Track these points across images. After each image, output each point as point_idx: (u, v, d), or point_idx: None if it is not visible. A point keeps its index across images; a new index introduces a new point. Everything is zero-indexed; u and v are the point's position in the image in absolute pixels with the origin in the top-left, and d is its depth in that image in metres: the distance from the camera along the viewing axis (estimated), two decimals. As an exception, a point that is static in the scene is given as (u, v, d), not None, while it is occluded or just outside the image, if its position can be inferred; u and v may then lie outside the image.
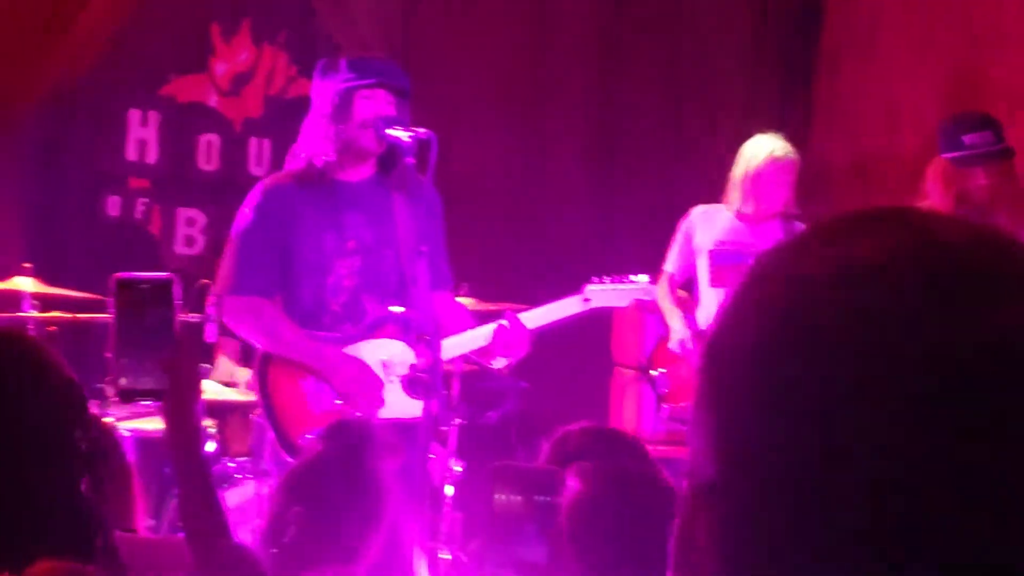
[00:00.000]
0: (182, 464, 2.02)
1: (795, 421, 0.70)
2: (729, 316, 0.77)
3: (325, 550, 2.63)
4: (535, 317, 4.25)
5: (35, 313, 5.47)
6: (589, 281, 4.36)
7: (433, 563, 5.03)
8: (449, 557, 5.16)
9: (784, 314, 0.72)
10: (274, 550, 2.59)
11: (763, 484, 0.71)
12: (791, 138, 5.60)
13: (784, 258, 0.76)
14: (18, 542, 1.69)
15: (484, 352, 4.23)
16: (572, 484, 2.33)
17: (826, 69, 7.28)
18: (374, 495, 2.75)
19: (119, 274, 2.04)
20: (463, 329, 4.24)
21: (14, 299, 5.53)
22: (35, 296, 5.51)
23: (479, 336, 4.20)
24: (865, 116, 7.00)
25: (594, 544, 2.22)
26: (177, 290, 2.01)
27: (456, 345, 4.19)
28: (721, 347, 0.76)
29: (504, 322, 4.19)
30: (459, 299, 5.55)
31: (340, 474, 2.73)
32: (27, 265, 5.61)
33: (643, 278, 4.42)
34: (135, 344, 1.98)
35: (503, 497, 1.53)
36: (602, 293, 4.35)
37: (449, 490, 5.25)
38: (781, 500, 0.71)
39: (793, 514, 0.70)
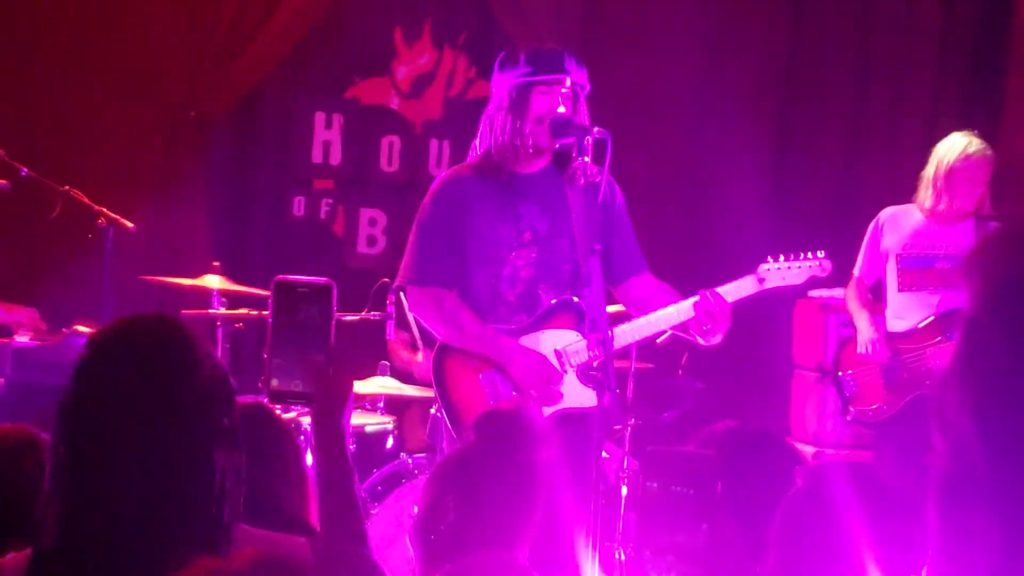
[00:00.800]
0: (326, 471, 2.00)
1: None
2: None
3: (479, 537, 2.65)
4: (724, 294, 4.20)
5: (223, 310, 5.64)
6: (763, 261, 4.28)
7: (607, 561, 5.02)
8: (623, 557, 5.15)
9: None
10: (431, 537, 2.61)
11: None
12: (981, 136, 5.44)
13: None
14: (155, 510, 1.72)
15: (685, 327, 4.19)
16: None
17: (1017, 66, 7.05)
18: (527, 483, 2.76)
19: (279, 277, 2.06)
20: (667, 302, 4.20)
21: (203, 296, 5.71)
22: (223, 293, 5.68)
23: (682, 310, 4.16)
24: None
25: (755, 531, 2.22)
26: (335, 296, 2.01)
27: (648, 323, 4.16)
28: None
29: (696, 298, 4.15)
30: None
31: (491, 462, 2.74)
32: (216, 264, 5.78)
33: (820, 254, 4.31)
34: (289, 347, 1.98)
35: (657, 485, 1.52)
36: (776, 272, 4.27)
37: (624, 489, 5.24)
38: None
39: None
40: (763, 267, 4.26)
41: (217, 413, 1.79)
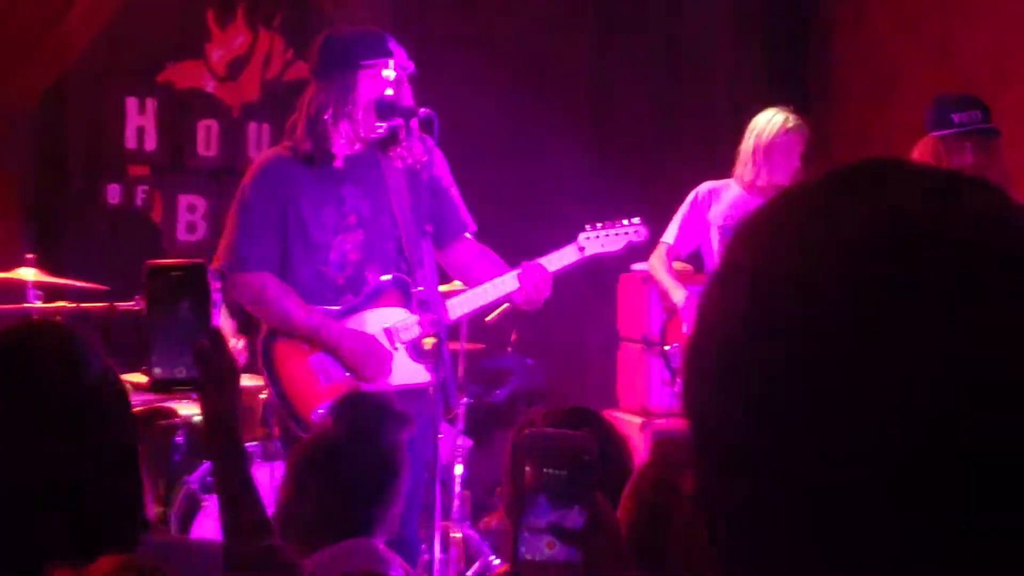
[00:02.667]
0: (222, 458, 1.96)
1: (745, 403, 0.74)
2: (701, 311, 0.80)
3: (345, 523, 2.63)
4: (547, 262, 4.27)
5: (39, 304, 5.47)
6: (582, 230, 4.38)
7: (444, 541, 5.04)
8: (460, 535, 5.18)
9: (745, 314, 0.75)
10: (293, 525, 2.59)
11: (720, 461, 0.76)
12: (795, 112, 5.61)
13: (752, 244, 0.80)
14: (56, 526, 1.67)
15: (511, 297, 4.26)
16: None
17: (816, 41, 7.28)
18: (391, 467, 2.75)
19: (150, 261, 1.99)
20: (491, 270, 4.25)
21: (18, 290, 5.53)
22: (38, 286, 5.51)
23: (502, 283, 4.21)
24: (857, 88, 7.01)
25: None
26: (209, 275, 1.95)
27: (479, 294, 4.21)
28: (694, 342, 0.81)
29: (519, 270, 4.21)
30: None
31: (355, 448, 2.73)
32: (30, 256, 5.60)
33: (635, 220, 4.45)
34: (169, 333, 1.93)
35: (547, 470, 1.53)
36: (595, 240, 4.37)
37: (458, 468, 5.27)
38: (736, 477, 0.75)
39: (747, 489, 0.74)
40: (583, 235, 4.37)
41: (103, 421, 1.73)
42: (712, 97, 7.37)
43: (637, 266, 6.08)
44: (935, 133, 4.98)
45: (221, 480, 1.98)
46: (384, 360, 4.16)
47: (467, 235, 4.38)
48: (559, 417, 2.37)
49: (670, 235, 5.64)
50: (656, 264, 5.64)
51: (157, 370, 1.93)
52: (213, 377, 1.92)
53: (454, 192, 4.36)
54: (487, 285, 4.22)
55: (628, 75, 7.53)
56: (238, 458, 1.98)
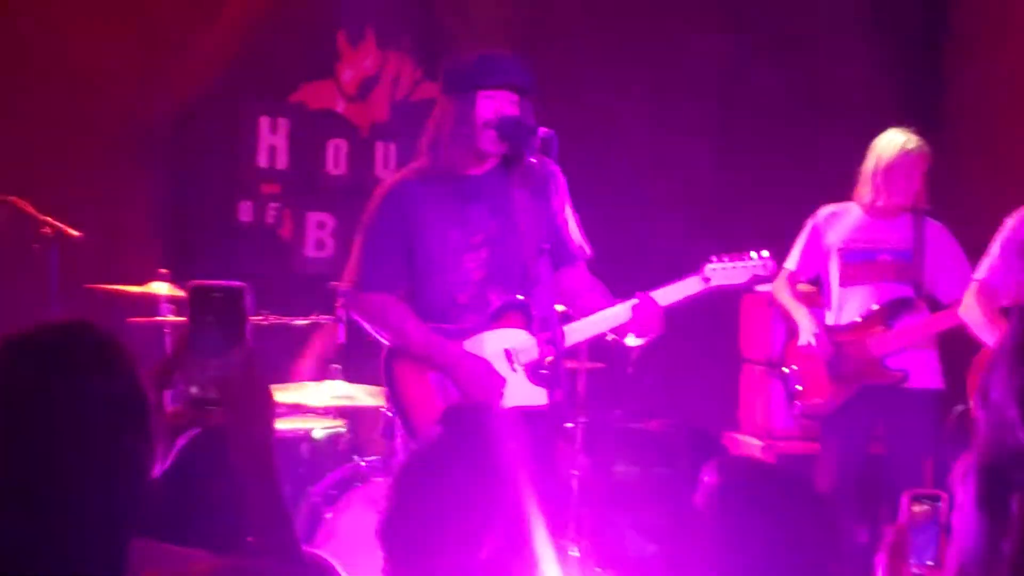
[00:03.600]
0: (253, 479, 1.94)
1: None
2: None
3: (446, 537, 2.64)
4: (664, 295, 4.25)
5: (171, 317, 5.61)
6: (708, 260, 4.34)
7: (560, 558, 5.04)
8: (577, 553, 5.18)
9: None
10: (397, 537, 2.61)
11: None
12: (920, 132, 5.52)
13: None
14: (45, 533, 1.66)
15: (619, 330, 4.23)
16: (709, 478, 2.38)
17: (954, 56, 7.14)
18: (493, 480, 2.76)
19: (194, 281, 2.02)
20: (599, 301, 4.24)
21: (151, 303, 5.68)
22: (171, 300, 5.65)
23: (615, 315, 4.20)
24: (996, 102, 6.85)
25: (730, 531, 2.27)
26: (249, 299, 1.97)
27: (593, 323, 4.20)
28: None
29: (635, 301, 4.19)
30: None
31: (455, 458, 2.74)
32: (163, 271, 5.75)
33: (764, 253, 4.38)
34: (205, 352, 1.95)
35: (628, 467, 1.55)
36: (721, 271, 4.33)
37: (575, 485, 5.27)
38: None
39: None
40: (709, 266, 4.32)
41: (121, 427, 1.73)
42: (846, 117, 7.28)
43: (761, 287, 6.04)
44: None
45: (252, 502, 1.96)
46: (496, 385, 4.17)
47: (580, 262, 4.39)
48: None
49: (792, 261, 5.61)
50: (778, 288, 5.60)
51: (193, 389, 1.94)
52: (240, 399, 1.91)
53: (572, 216, 4.37)
54: (601, 314, 4.20)
55: (760, 98, 7.47)
56: (269, 480, 1.96)
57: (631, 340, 4.26)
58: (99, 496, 1.69)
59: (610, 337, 5.13)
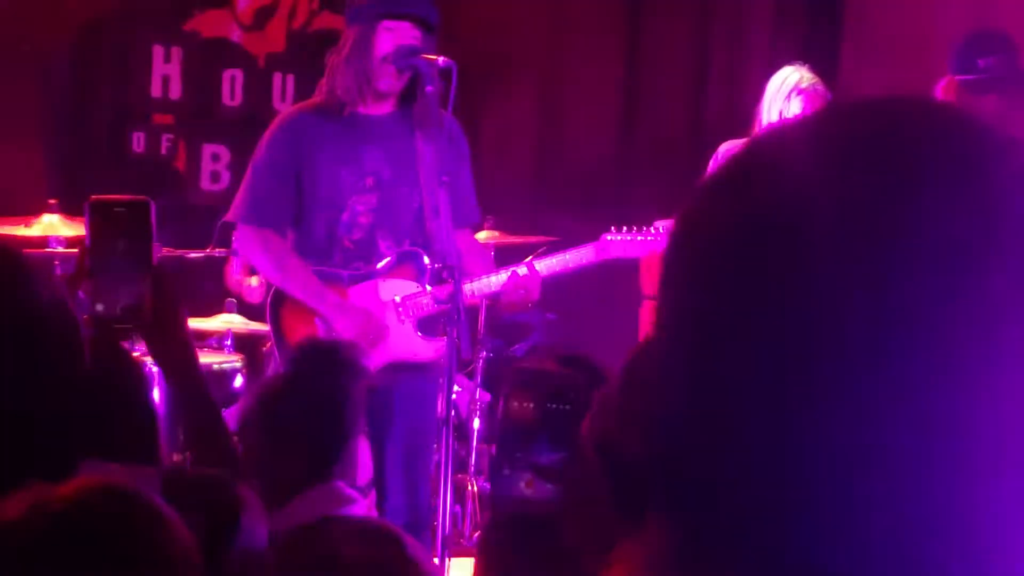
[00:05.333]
0: (185, 395, 1.94)
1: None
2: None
3: (296, 468, 2.65)
4: (550, 265, 4.24)
5: (61, 249, 5.49)
6: (608, 231, 4.34)
7: (460, 494, 5.05)
8: (475, 488, 5.18)
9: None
10: (254, 476, 2.59)
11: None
12: (819, 69, 5.52)
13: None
14: None
15: (494, 296, 4.22)
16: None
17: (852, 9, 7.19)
18: (335, 412, 2.76)
19: (93, 197, 1.95)
20: (482, 272, 4.21)
21: (41, 235, 5.55)
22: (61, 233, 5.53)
23: (493, 282, 4.19)
24: (895, 45, 6.91)
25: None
26: (154, 212, 1.91)
27: (470, 290, 4.16)
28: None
29: (521, 269, 4.17)
30: (484, 232, 5.54)
31: (300, 392, 2.75)
32: (53, 201, 5.62)
33: (661, 227, 4.39)
34: (109, 270, 1.89)
35: (517, 404, 1.53)
36: (619, 244, 4.34)
37: (476, 423, 5.27)
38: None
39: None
40: (607, 236, 4.32)
41: (57, 343, 1.71)
42: (748, 59, 7.29)
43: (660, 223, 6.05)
44: (957, 77, 4.82)
45: (188, 417, 1.96)
46: (378, 336, 4.13)
47: (469, 226, 4.38)
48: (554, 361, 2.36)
49: None
50: None
51: (98, 307, 1.89)
52: (158, 319, 1.88)
53: (467, 178, 4.31)
54: (476, 284, 4.16)
55: (661, 37, 7.45)
56: (199, 393, 1.96)
57: (505, 310, 4.27)
58: (36, 415, 1.65)
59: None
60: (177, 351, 1.92)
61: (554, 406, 1.53)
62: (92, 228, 1.88)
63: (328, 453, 2.70)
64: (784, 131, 0.79)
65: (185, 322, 1.94)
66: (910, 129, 0.72)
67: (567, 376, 1.59)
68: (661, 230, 4.39)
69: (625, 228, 4.35)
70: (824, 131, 0.75)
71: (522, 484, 1.53)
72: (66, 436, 1.67)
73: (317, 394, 2.76)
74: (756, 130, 5.45)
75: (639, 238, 4.36)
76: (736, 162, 0.78)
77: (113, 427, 1.94)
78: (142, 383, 2.23)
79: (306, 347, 3.16)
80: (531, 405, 1.53)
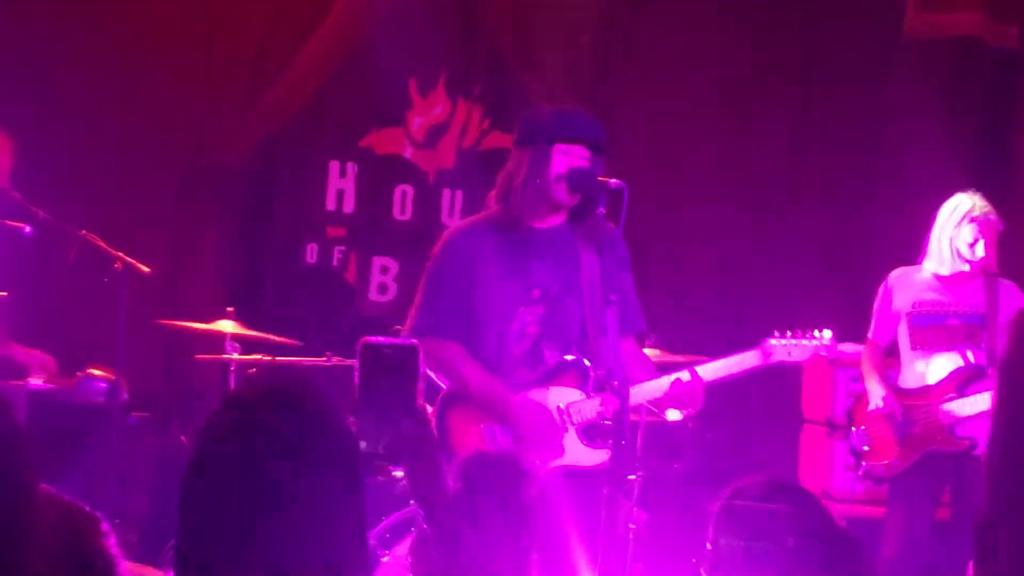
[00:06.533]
0: (432, 526, 1.95)
1: None
2: None
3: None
4: (714, 370, 4.23)
5: (236, 355, 5.68)
6: (771, 335, 4.33)
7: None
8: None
9: None
10: None
11: None
12: (990, 196, 5.49)
13: None
14: None
15: (658, 403, 4.23)
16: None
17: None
18: (517, 525, 2.77)
19: (365, 339, 2.02)
20: (644, 378, 4.23)
21: (217, 341, 5.75)
22: (236, 338, 5.72)
23: (656, 387, 4.20)
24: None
25: None
26: (421, 356, 1.96)
27: (633, 395, 4.18)
28: None
29: (684, 375, 4.18)
30: (646, 349, 5.57)
31: (477, 506, 2.76)
32: (230, 309, 5.82)
33: (827, 333, 4.36)
34: (375, 409, 1.95)
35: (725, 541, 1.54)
36: (782, 347, 4.31)
37: (631, 540, 5.24)
38: None
39: None
40: (771, 341, 4.32)
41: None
42: (916, 178, 7.26)
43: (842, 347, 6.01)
44: None
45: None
46: (555, 434, 4.17)
47: (632, 333, 4.40)
48: (756, 489, 2.35)
49: (871, 330, 5.58)
50: (863, 358, 5.56)
51: (362, 444, 1.94)
52: (416, 455, 1.92)
53: (630, 287, 4.36)
54: (644, 387, 4.18)
55: (827, 163, 7.46)
56: (444, 526, 1.98)
57: (671, 415, 4.25)
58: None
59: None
60: (430, 487, 1.94)
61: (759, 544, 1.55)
62: (362, 368, 1.94)
63: (511, 568, 2.71)
64: None
65: (440, 463, 1.98)
66: None
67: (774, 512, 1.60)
68: (827, 336, 4.36)
69: (789, 332, 4.34)
70: None
71: None
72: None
73: (498, 509, 2.78)
74: (929, 254, 5.44)
75: (803, 342, 4.34)
76: None
77: None
78: None
79: (481, 458, 3.17)
80: (740, 544, 1.54)
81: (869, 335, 5.58)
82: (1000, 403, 0.84)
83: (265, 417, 1.74)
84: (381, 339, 2.01)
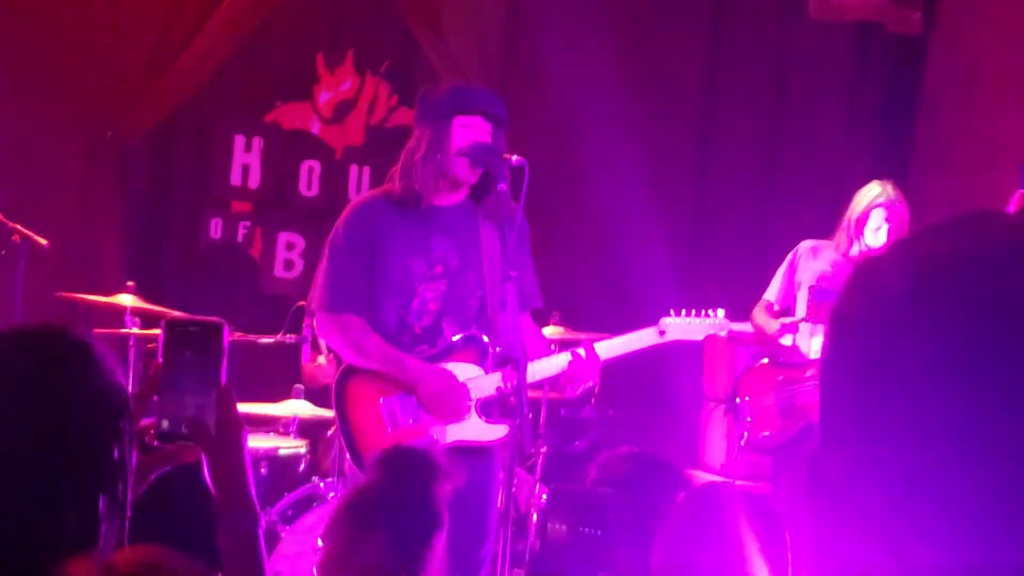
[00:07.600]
0: (229, 514, 1.92)
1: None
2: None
3: (387, 573, 2.67)
4: (611, 347, 4.28)
5: (136, 329, 5.61)
6: (667, 314, 4.39)
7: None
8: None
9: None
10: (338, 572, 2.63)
11: None
12: (888, 179, 5.60)
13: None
14: (32, 539, 1.67)
15: (554, 380, 4.26)
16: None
17: (926, 110, 7.24)
18: (432, 519, 2.79)
19: (169, 316, 1.99)
20: (540, 355, 4.27)
21: (117, 315, 5.68)
22: (136, 312, 5.65)
23: (553, 364, 4.23)
24: (964, 156, 6.94)
25: None
26: (227, 335, 1.94)
27: (531, 371, 4.21)
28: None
29: (580, 351, 4.22)
30: (549, 327, 5.60)
31: (398, 499, 2.77)
32: (130, 283, 5.76)
33: (720, 313, 4.45)
34: (178, 389, 1.91)
35: (554, 526, 1.56)
36: (677, 326, 4.38)
37: (534, 517, 5.28)
38: None
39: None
40: (665, 320, 4.38)
41: (106, 435, 1.73)
42: (818, 159, 7.35)
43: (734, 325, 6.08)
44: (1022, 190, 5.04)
45: (227, 538, 1.93)
46: (462, 400, 4.19)
47: (528, 310, 4.43)
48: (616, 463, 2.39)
49: (769, 291, 5.67)
50: (756, 313, 5.64)
51: (164, 423, 1.91)
52: (219, 437, 1.89)
53: (528, 263, 4.39)
54: (539, 365, 4.22)
55: (730, 140, 7.53)
56: (246, 516, 1.93)
57: (564, 389, 4.29)
58: (85, 499, 1.70)
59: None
60: (233, 471, 1.92)
61: (586, 530, 1.57)
62: (165, 346, 1.92)
63: (415, 560, 2.73)
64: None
65: (244, 444, 1.95)
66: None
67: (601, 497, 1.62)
68: (720, 315, 4.44)
69: (684, 311, 4.40)
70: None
71: None
72: (91, 510, 1.71)
73: (413, 501, 2.79)
74: (838, 234, 5.54)
75: (697, 321, 4.41)
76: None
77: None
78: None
79: (397, 451, 3.18)
80: (564, 528, 1.57)
81: (766, 296, 5.65)
82: (824, 351, 0.98)
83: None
84: (185, 316, 1.98)
